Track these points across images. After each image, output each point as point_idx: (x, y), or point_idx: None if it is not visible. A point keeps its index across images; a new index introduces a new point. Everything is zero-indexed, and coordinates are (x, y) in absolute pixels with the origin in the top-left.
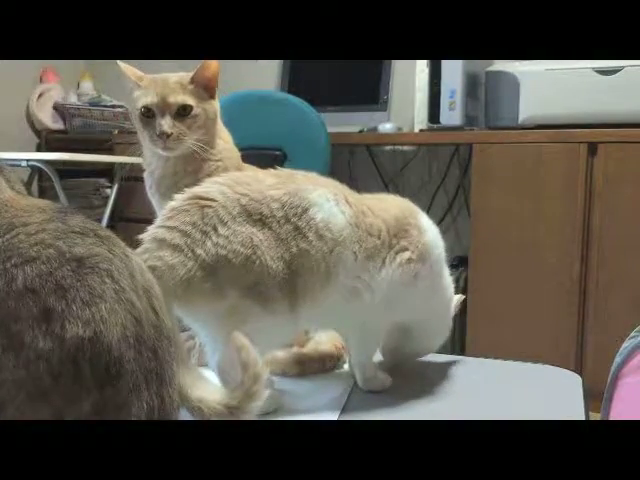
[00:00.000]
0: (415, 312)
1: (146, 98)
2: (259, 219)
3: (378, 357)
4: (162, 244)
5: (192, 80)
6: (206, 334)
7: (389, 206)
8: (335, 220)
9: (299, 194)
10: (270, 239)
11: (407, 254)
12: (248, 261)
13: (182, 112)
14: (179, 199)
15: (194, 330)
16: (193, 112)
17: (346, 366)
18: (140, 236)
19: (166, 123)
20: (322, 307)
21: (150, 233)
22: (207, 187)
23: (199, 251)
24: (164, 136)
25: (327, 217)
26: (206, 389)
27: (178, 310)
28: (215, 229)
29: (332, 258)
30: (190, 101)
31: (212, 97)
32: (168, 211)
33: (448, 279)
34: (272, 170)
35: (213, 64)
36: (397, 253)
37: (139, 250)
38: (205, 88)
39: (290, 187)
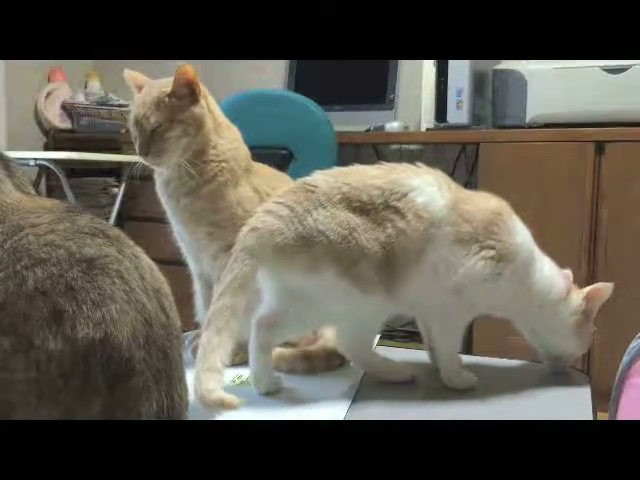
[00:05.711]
0: (502, 310)
1: (129, 117)
2: (358, 206)
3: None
4: (269, 213)
5: (171, 93)
6: (273, 292)
7: (488, 200)
8: (434, 203)
9: (400, 181)
10: (367, 223)
11: (492, 251)
12: (344, 240)
13: (158, 130)
14: (290, 185)
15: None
16: (167, 130)
17: (352, 364)
18: (258, 208)
19: (141, 146)
20: (413, 288)
21: (265, 205)
22: (314, 176)
23: (299, 224)
24: (143, 156)
25: (427, 200)
26: None
27: (267, 272)
28: (317, 208)
29: (425, 236)
30: (163, 120)
31: (195, 101)
32: (281, 192)
33: (543, 284)
34: (377, 165)
35: (186, 69)
36: (483, 247)
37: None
38: (187, 95)
39: (392, 176)
